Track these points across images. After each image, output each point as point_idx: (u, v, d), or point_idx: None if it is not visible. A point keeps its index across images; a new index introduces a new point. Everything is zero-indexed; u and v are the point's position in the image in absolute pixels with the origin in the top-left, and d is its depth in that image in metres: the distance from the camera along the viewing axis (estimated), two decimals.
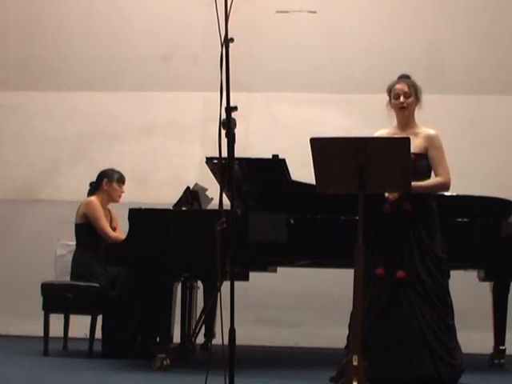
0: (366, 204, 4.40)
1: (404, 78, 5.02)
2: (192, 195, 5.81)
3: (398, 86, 4.94)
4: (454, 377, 4.72)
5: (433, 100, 7.42)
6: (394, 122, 5.00)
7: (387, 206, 4.80)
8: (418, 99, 4.97)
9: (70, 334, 6.19)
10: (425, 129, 4.95)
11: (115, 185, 6.26)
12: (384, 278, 4.67)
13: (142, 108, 7.55)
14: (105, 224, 6.12)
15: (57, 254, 7.37)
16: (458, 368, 4.75)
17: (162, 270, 5.25)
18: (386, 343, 4.59)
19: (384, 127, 5.07)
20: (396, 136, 4.81)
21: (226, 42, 3.69)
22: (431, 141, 4.88)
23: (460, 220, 5.63)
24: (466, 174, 7.08)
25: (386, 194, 4.80)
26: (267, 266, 5.90)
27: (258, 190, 5.58)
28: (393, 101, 4.94)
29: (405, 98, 4.91)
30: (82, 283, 6.00)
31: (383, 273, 4.69)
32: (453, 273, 6.07)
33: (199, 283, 6.25)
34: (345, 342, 4.78)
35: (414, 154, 4.69)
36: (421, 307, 4.68)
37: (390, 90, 4.97)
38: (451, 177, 4.86)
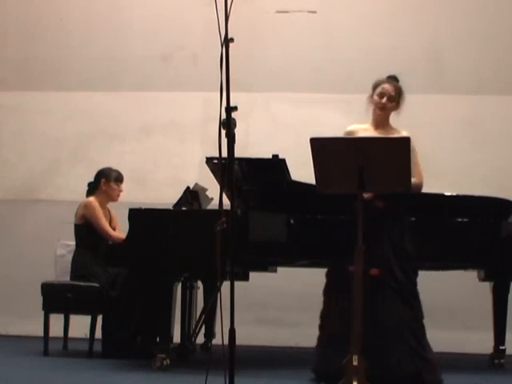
0: (338, 201, 4.51)
1: (394, 80, 5.07)
2: (192, 195, 5.81)
3: (387, 87, 4.98)
4: (431, 371, 4.76)
5: (433, 100, 7.46)
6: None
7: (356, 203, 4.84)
8: (398, 106, 5.03)
9: (70, 334, 6.19)
10: (399, 130, 5.00)
11: (113, 184, 6.26)
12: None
13: (142, 108, 7.55)
14: (105, 224, 6.12)
15: (57, 254, 7.37)
16: (433, 362, 4.79)
17: (161, 270, 5.25)
18: (365, 342, 4.57)
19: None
20: (396, 136, 4.82)
21: (226, 42, 3.69)
22: None
23: (460, 220, 5.63)
24: (466, 173, 7.10)
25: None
26: (267, 265, 5.90)
27: (257, 190, 5.58)
28: (375, 97, 4.98)
29: (388, 100, 4.97)
30: (82, 283, 6.00)
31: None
32: (453, 273, 6.11)
33: (199, 283, 6.25)
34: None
35: None
36: (398, 306, 4.73)
37: (376, 86, 5.01)
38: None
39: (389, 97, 4.96)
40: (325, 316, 4.94)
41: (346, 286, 4.74)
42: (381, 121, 5.00)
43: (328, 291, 5.00)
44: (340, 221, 5.04)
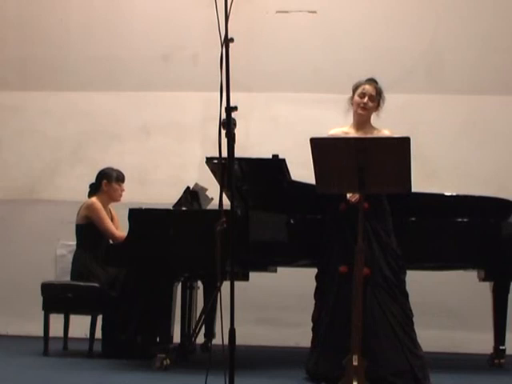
0: (323, 202, 4.62)
1: (374, 81, 5.16)
2: (192, 195, 5.81)
3: (368, 87, 5.09)
4: (422, 367, 4.81)
5: (433, 100, 7.45)
6: (349, 120, 5.13)
7: (343, 204, 4.91)
8: (379, 106, 5.14)
9: (70, 334, 6.19)
10: (381, 130, 5.09)
11: (115, 184, 6.25)
12: (348, 275, 4.66)
13: (142, 108, 7.55)
14: (109, 224, 6.11)
15: (57, 253, 7.37)
16: (423, 358, 4.86)
17: (161, 270, 5.26)
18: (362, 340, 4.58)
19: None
20: (396, 136, 4.82)
21: (226, 42, 3.69)
22: None
23: (460, 220, 5.63)
24: (466, 174, 7.10)
25: (348, 196, 4.89)
26: (267, 265, 5.90)
27: (258, 189, 5.58)
28: (356, 98, 5.09)
29: (369, 100, 5.07)
30: (81, 283, 6.00)
31: (346, 270, 4.71)
32: (453, 273, 6.12)
33: (199, 283, 6.25)
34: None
35: None
36: (388, 304, 4.80)
37: (356, 87, 5.12)
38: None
39: (370, 96, 5.07)
40: (316, 318, 4.97)
41: (335, 286, 4.79)
42: (362, 121, 5.10)
43: (318, 293, 5.04)
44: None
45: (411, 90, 7.23)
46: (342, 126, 5.16)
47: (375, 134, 5.00)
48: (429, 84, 7.33)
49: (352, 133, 5.05)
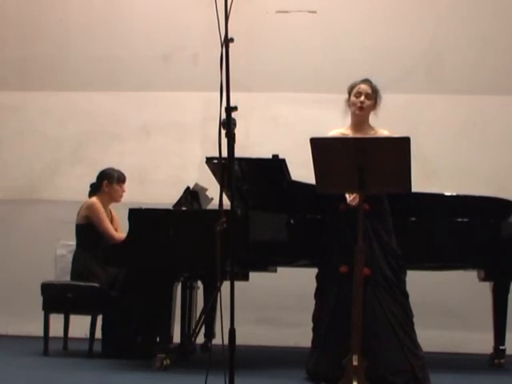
0: (323, 202, 4.65)
1: (368, 81, 5.15)
2: (192, 195, 5.81)
3: (363, 86, 5.08)
4: (422, 367, 4.82)
5: (433, 100, 7.46)
6: (348, 121, 5.12)
7: (343, 205, 4.91)
8: (375, 104, 5.12)
9: (70, 334, 6.19)
10: (379, 130, 5.08)
11: (116, 185, 6.25)
12: (348, 275, 4.66)
13: (142, 108, 7.55)
14: (108, 226, 6.10)
15: (57, 253, 7.37)
16: (423, 358, 4.86)
17: (161, 270, 5.26)
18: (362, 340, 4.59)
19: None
20: (396, 136, 4.83)
21: (226, 42, 3.69)
22: None
23: (460, 220, 5.63)
24: (466, 174, 7.10)
25: (348, 200, 4.88)
26: (267, 265, 5.90)
27: (258, 189, 5.57)
28: (353, 98, 5.08)
29: (366, 98, 5.06)
30: (82, 283, 6.00)
31: (347, 270, 4.71)
32: (453, 273, 6.12)
33: (199, 283, 6.25)
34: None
35: None
36: (389, 304, 4.80)
37: (352, 88, 5.11)
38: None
39: (366, 95, 5.06)
40: (316, 318, 4.98)
41: (336, 286, 4.79)
42: (360, 122, 5.09)
43: (319, 294, 5.04)
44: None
45: (411, 90, 7.24)
46: (340, 128, 5.16)
47: (373, 135, 4.99)
48: (429, 84, 7.33)
49: (350, 134, 5.05)
